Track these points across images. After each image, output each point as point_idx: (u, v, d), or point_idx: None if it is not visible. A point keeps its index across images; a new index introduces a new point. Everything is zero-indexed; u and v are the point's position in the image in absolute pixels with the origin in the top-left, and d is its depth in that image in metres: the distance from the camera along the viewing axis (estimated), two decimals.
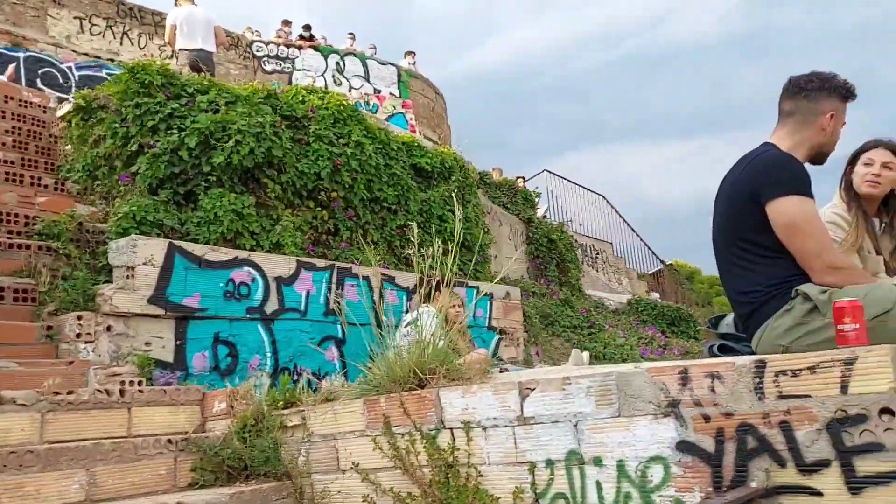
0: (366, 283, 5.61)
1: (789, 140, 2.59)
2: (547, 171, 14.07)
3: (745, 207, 2.47)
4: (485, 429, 2.50)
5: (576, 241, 12.84)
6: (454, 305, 5.85)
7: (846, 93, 2.60)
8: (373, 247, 6.57)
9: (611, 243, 14.34)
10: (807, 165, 2.63)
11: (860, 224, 3.00)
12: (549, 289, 9.80)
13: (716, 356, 2.74)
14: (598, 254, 13.61)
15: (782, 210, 2.38)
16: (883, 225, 3.11)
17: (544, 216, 12.61)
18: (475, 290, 6.63)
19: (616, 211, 14.90)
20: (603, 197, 14.79)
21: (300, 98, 6.79)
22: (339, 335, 5.43)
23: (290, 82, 12.96)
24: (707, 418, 2.07)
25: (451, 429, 2.57)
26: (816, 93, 2.57)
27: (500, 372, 5.42)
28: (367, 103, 13.08)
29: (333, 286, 5.46)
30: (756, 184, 2.45)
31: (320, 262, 5.49)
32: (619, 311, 11.36)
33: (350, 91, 13.54)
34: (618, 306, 11.59)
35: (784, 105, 2.64)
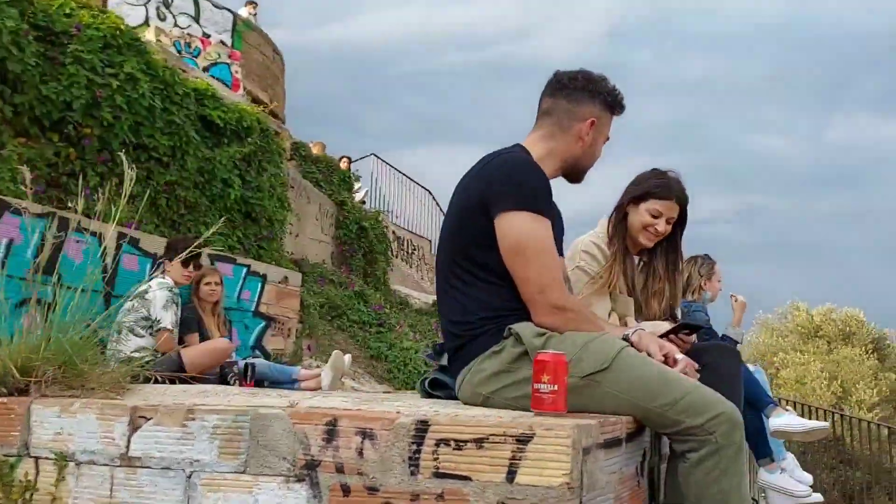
0: (97, 242, 4.66)
1: (541, 145, 2.11)
2: (374, 155, 13.46)
3: (472, 218, 1.96)
4: (79, 464, 1.80)
5: (393, 232, 12.35)
6: (209, 282, 5.09)
7: (613, 102, 2.15)
8: (129, 202, 5.58)
9: (430, 241, 14.02)
10: (559, 181, 2.19)
11: (617, 264, 2.64)
12: (349, 278, 9.19)
13: (428, 394, 2.24)
14: (414, 249, 13.22)
15: (510, 227, 1.90)
16: (641, 263, 2.79)
17: (363, 201, 11.97)
18: (244, 269, 5.86)
19: (441, 209, 14.60)
20: (430, 193, 14.44)
21: (66, 10, 5.64)
22: (49, 299, 4.44)
23: (104, 5, 11.30)
24: (347, 491, 1.52)
25: (36, 458, 1.85)
26: (579, 93, 2.11)
27: (245, 367, 4.73)
28: (189, 45, 11.70)
29: (50, 238, 4.46)
30: (487, 191, 1.94)
31: (35, 207, 4.46)
32: (423, 312, 11.00)
33: (174, 28, 12.08)
34: (423, 306, 11.25)
35: (543, 102, 2.16)
